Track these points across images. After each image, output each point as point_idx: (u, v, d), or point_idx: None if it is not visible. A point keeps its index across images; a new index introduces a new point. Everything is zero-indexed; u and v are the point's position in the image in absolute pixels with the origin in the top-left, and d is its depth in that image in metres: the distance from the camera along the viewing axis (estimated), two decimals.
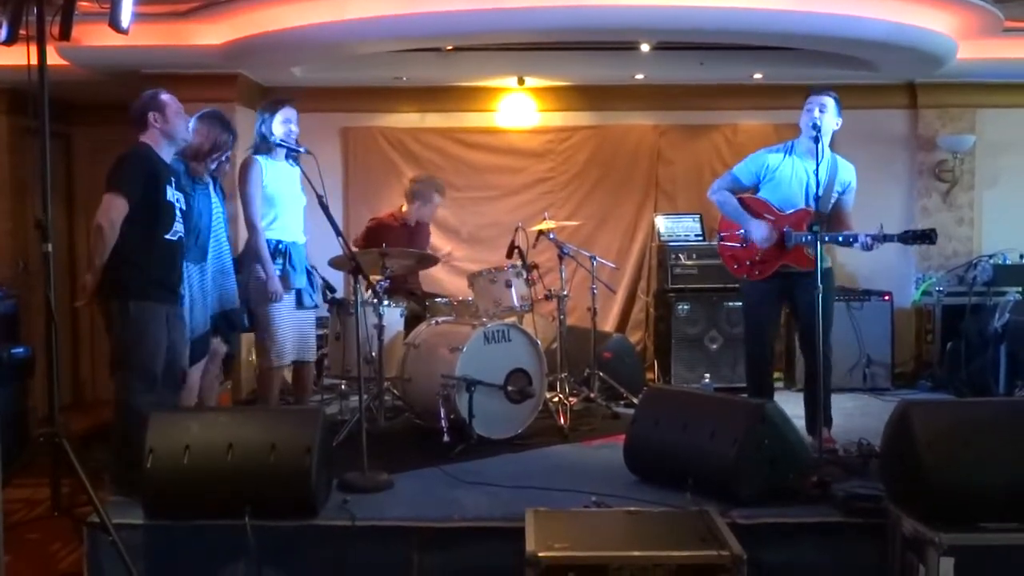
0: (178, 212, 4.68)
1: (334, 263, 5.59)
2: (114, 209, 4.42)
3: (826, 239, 4.91)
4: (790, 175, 5.30)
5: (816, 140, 4.98)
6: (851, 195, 5.38)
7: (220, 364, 5.53)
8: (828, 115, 5.20)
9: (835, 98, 5.27)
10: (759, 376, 5.54)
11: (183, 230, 4.74)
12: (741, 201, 5.48)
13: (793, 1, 6.01)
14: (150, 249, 4.53)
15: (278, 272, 5.35)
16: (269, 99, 5.53)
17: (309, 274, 5.56)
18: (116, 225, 4.42)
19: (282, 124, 5.38)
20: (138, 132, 4.66)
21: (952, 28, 6.64)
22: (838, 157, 5.38)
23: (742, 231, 5.40)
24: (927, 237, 4.94)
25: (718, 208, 5.61)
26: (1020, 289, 7.28)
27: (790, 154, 5.36)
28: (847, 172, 5.36)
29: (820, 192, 4.98)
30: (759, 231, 5.31)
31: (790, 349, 7.43)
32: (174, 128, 4.66)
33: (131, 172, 4.50)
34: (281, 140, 5.29)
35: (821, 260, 4.80)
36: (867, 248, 5.04)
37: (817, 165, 4.94)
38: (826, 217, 5.16)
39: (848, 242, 5.12)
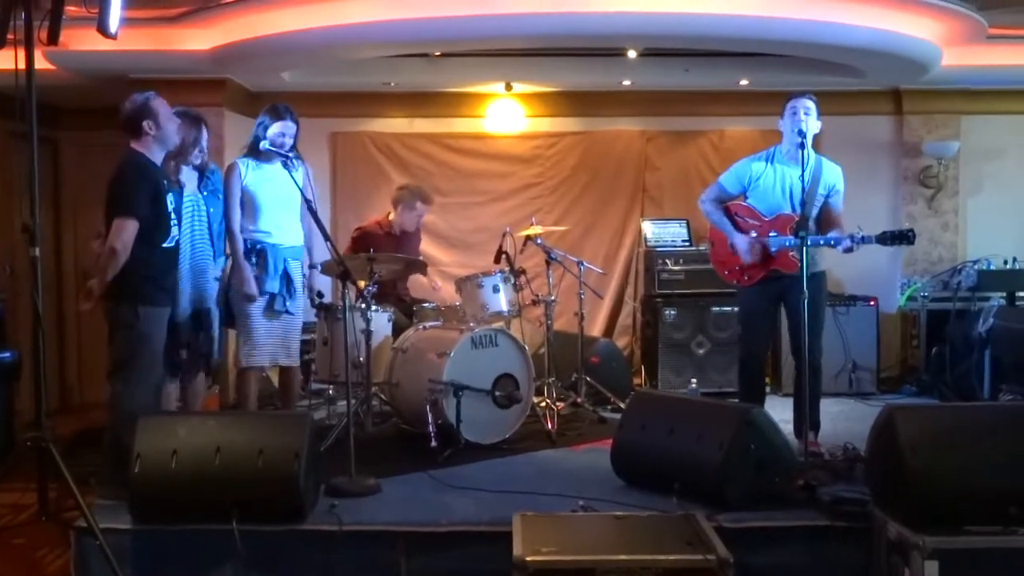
0: (173, 217, 4.75)
1: (323, 268, 5.60)
2: (127, 233, 4.51)
3: (809, 242, 4.94)
4: (773, 182, 5.33)
5: (802, 145, 5.01)
6: (838, 197, 5.37)
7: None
8: (811, 118, 5.23)
9: (815, 100, 5.30)
10: (751, 380, 5.55)
11: (179, 233, 4.85)
12: (727, 209, 5.52)
13: (779, 8, 6.04)
14: (152, 259, 4.63)
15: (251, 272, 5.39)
16: (273, 105, 5.50)
17: (290, 279, 5.51)
18: (129, 246, 4.52)
19: (277, 136, 5.40)
20: (130, 138, 4.68)
21: (937, 35, 6.69)
22: (824, 159, 5.40)
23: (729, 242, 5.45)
24: (905, 237, 4.96)
25: (706, 218, 5.64)
26: (1004, 294, 7.33)
27: (772, 161, 5.38)
28: (832, 174, 5.36)
29: (804, 196, 5.01)
30: (742, 245, 5.36)
31: (777, 354, 7.46)
32: (166, 134, 4.73)
33: (137, 192, 4.56)
34: (267, 146, 5.29)
35: (807, 264, 4.83)
36: (847, 250, 5.08)
37: (803, 170, 4.96)
38: (806, 220, 5.13)
39: (830, 244, 5.16)
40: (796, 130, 5.11)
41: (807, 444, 4.83)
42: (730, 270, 5.52)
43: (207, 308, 5.26)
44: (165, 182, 4.73)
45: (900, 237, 4.98)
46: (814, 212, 5.28)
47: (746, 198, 5.46)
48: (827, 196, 5.34)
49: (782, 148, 5.37)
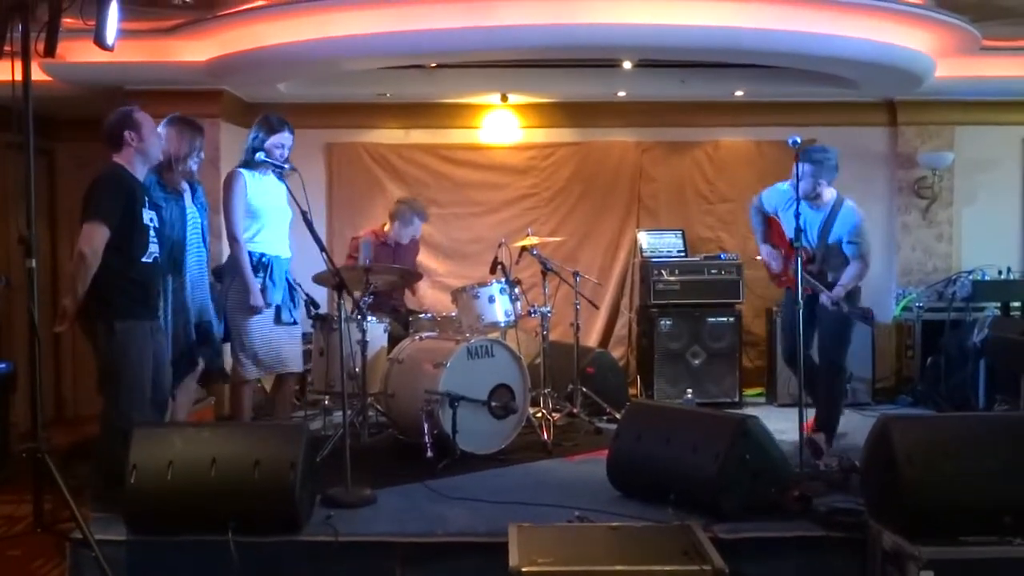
0: (152, 233, 4.65)
1: (318, 279, 5.60)
2: (96, 237, 4.39)
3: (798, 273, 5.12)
4: (790, 214, 5.45)
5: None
6: (849, 246, 5.50)
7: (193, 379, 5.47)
8: (804, 182, 5.40)
9: (814, 160, 5.46)
10: (803, 379, 5.58)
11: (158, 250, 4.72)
12: (767, 220, 5.86)
13: (774, 20, 6.07)
14: (128, 273, 4.50)
15: (258, 285, 5.36)
16: (267, 116, 5.45)
17: (292, 289, 5.53)
18: (99, 253, 4.39)
19: (275, 148, 5.37)
20: (111, 151, 4.59)
21: (930, 47, 6.72)
22: (845, 208, 5.57)
23: None
24: (865, 320, 5.33)
25: None
26: (999, 305, 7.34)
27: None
28: (842, 225, 5.51)
29: (800, 236, 5.13)
30: (766, 255, 5.85)
31: (772, 366, 7.47)
32: (149, 147, 4.62)
33: (109, 198, 4.45)
34: (264, 157, 5.27)
35: (801, 288, 5.10)
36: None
37: (796, 221, 5.11)
38: (809, 254, 5.53)
39: (815, 286, 5.45)
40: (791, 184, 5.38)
41: (802, 446, 4.86)
42: (770, 271, 5.95)
43: (208, 321, 5.24)
44: (146, 197, 4.65)
45: (863, 318, 5.32)
46: (827, 250, 5.55)
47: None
48: (839, 242, 5.53)
49: None
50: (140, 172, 4.65)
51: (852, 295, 5.48)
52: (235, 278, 5.34)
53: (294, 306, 5.52)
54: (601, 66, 7.49)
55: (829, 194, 5.57)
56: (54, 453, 4.31)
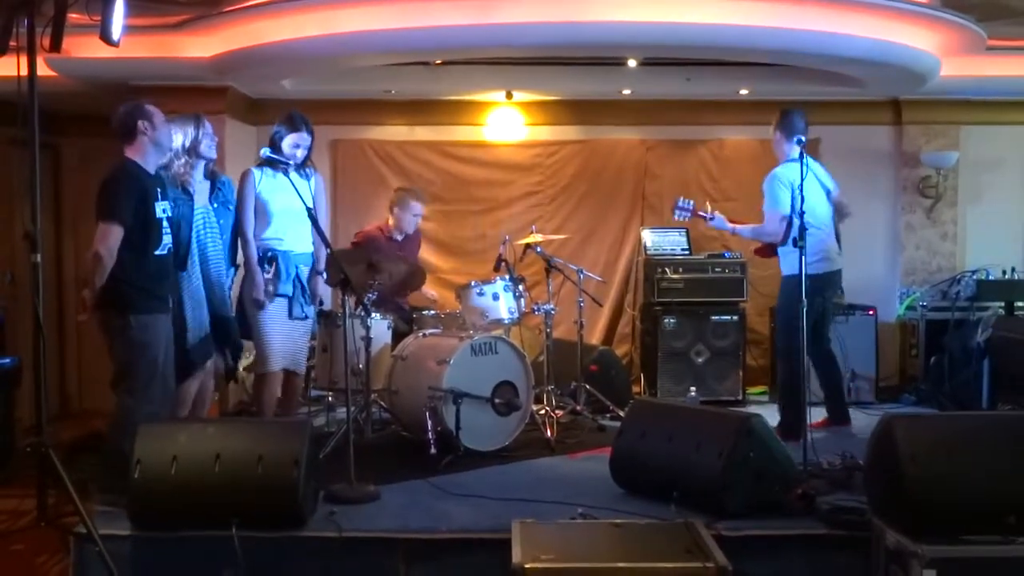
0: (166, 225, 4.71)
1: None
2: (111, 238, 4.48)
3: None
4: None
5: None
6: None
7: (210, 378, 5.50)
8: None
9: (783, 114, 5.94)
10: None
11: (172, 242, 4.79)
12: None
13: (779, 18, 6.06)
14: (142, 266, 4.59)
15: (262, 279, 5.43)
16: (291, 114, 5.57)
17: (303, 285, 5.55)
18: (114, 252, 4.49)
19: (291, 147, 5.47)
20: (124, 144, 4.65)
21: (936, 46, 6.70)
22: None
23: None
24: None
25: None
26: (1003, 304, 7.33)
27: None
28: None
29: (803, 235, 5.16)
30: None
31: (775, 364, 7.45)
32: (161, 136, 4.71)
33: (122, 197, 4.53)
34: (270, 153, 5.31)
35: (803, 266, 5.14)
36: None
37: (801, 214, 5.21)
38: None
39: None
40: None
41: (805, 447, 4.85)
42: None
43: (228, 316, 5.33)
44: (159, 189, 4.71)
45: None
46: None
47: None
48: None
49: None
50: (152, 164, 4.73)
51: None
52: (247, 273, 5.48)
53: (305, 302, 5.56)
54: (606, 64, 7.48)
55: (792, 153, 5.79)
56: (59, 448, 4.32)
